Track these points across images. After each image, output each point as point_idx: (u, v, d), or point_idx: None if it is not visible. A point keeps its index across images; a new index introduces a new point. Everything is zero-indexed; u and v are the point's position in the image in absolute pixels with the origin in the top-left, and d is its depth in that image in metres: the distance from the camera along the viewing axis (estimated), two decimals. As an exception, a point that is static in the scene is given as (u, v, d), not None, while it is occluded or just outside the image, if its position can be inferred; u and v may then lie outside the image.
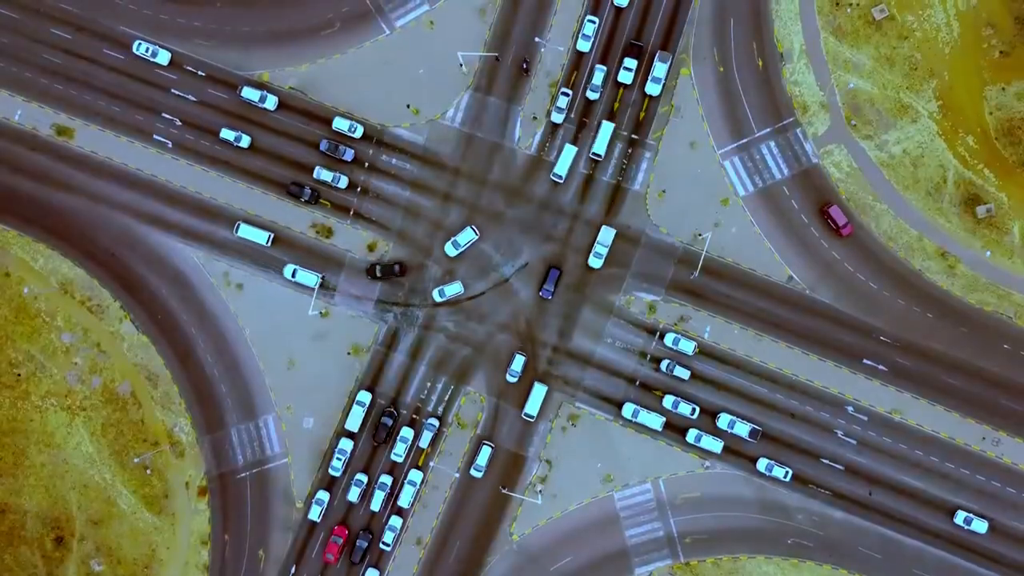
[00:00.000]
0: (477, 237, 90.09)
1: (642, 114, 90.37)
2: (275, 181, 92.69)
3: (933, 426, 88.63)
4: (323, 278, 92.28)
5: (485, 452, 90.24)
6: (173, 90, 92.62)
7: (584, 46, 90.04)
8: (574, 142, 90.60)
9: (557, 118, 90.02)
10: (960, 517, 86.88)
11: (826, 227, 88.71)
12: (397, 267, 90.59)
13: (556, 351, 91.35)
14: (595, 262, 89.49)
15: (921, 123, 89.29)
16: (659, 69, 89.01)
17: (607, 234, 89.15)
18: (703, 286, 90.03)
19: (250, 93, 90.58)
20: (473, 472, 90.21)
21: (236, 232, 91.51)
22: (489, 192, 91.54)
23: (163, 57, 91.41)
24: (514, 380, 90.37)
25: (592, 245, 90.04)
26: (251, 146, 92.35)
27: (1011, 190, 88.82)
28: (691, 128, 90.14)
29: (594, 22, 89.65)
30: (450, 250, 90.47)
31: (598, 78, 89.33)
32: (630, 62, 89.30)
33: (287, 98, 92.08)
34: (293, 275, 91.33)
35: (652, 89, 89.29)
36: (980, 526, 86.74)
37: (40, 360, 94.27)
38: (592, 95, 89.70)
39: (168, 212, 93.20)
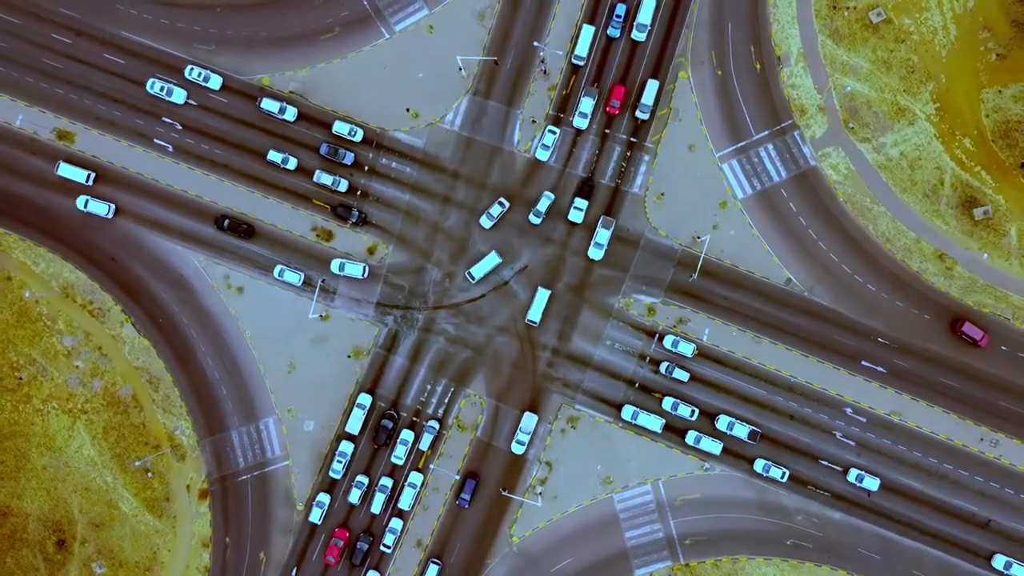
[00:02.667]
0: (364, 278, 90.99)
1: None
2: (275, 184, 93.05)
3: (932, 427, 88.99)
4: (324, 281, 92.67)
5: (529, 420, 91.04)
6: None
7: (543, 155, 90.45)
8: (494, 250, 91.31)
9: (486, 223, 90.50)
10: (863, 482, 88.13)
11: (961, 342, 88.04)
12: (245, 227, 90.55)
13: (556, 353, 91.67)
14: (518, 448, 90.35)
15: (918, 125, 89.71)
16: (601, 235, 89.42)
17: (530, 420, 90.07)
18: (702, 288, 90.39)
19: (269, 104, 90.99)
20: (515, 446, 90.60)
21: (56, 171, 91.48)
22: (488, 195, 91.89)
23: (215, 82, 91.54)
24: (538, 221, 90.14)
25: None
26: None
27: (1008, 192, 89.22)
28: (689, 131, 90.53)
29: (555, 133, 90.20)
30: (334, 267, 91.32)
31: (543, 204, 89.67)
32: (580, 202, 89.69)
33: (287, 102, 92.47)
34: (89, 208, 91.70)
35: (594, 253, 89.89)
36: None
37: (42, 363, 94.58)
38: (534, 220, 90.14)
39: (168, 215, 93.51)
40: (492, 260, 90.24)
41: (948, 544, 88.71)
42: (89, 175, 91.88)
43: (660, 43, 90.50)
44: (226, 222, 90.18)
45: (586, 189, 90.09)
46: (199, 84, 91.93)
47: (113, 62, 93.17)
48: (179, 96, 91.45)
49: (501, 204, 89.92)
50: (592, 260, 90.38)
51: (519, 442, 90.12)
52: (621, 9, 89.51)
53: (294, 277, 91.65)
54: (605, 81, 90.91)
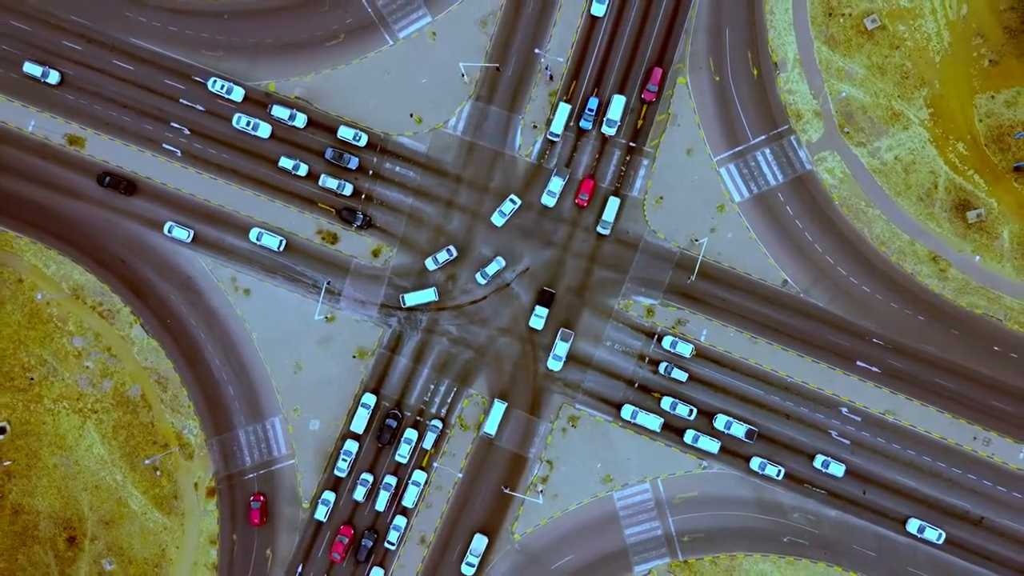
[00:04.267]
0: (280, 251, 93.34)
1: (640, 122, 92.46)
2: (281, 188, 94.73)
3: (925, 426, 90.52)
4: (329, 283, 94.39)
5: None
6: (182, 100, 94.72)
7: (499, 221, 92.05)
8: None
9: (431, 265, 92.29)
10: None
11: None
12: (125, 183, 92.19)
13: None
14: (467, 570, 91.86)
15: (912, 130, 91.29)
16: (560, 348, 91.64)
17: (480, 543, 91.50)
18: (700, 290, 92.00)
19: (280, 111, 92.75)
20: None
21: None
22: (490, 199, 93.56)
23: (237, 94, 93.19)
24: (484, 281, 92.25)
25: (592, 260, 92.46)
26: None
27: (1000, 195, 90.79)
28: (688, 136, 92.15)
29: (515, 202, 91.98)
30: (252, 236, 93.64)
31: (492, 268, 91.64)
32: (541, 310, 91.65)
33: (293, 107, 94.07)
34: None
35: (553, 364, 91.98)
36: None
37: (52, 364, 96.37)
38: (480, 280, 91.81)
39: (176, 219, 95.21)
40: (427, 295, 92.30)
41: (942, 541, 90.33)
42: None
43: (659, 46, 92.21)
44: (107, 179, 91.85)
45: (547, 297, 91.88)
46: (220, 95, 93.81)
47: (122, 68, 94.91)
48: (264, 131, 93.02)
49: (449, 251, 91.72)
50: (550, 369, 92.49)
51: (469, 564, 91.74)
52: (593, 103, 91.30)
53: (182, 233, 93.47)
54: (576, 168, 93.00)
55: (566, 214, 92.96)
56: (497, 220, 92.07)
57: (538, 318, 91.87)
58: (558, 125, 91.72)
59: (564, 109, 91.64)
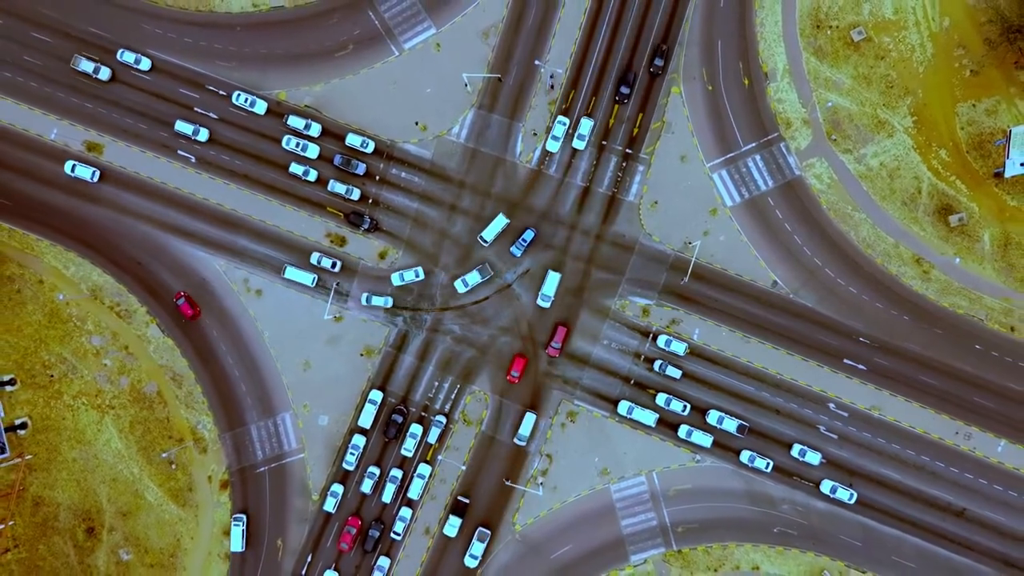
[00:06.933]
0: (93, 182, 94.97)
1: (635, 130, 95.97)
2: (291, 193, 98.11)
3: (910, 421, 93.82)
4: (337, 284, 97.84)
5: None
6: (196, 108, 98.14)
7: (397, 281, 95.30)
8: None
9: (402, 282, 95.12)
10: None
11: None
12: None
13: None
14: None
15: (897, 138, 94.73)
16: (476, 548, 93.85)
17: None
18: (693, 291, 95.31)
19: (295, 121, 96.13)
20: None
21: None
22: (492, 203, 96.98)
23: (260, 107, 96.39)
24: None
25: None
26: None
27: (981, 200, 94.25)
28: (682, 143, 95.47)
29: (419, 276, 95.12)
30: (66, 168, 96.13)
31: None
32: (455, 520, 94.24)
33: (301, 115, 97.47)
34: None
35: (469, 562, 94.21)
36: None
37: (72, 362, 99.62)
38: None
39: (191, 222, 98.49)
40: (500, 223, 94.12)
41: (925, 531, 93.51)
42: None
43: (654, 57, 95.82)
44: None
45: (460, 507, 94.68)
46: (243, 108, 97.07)
47: (139, 78, 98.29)
48: (313, 151, 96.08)
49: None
50: (468, 568, 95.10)
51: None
52: (528, 235, 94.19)
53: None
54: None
55: (565, 218, 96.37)
56: (396, 280, 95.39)
57: (451, 527, 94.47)
58: (490, 233, 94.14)
59: (500, 221, 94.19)
